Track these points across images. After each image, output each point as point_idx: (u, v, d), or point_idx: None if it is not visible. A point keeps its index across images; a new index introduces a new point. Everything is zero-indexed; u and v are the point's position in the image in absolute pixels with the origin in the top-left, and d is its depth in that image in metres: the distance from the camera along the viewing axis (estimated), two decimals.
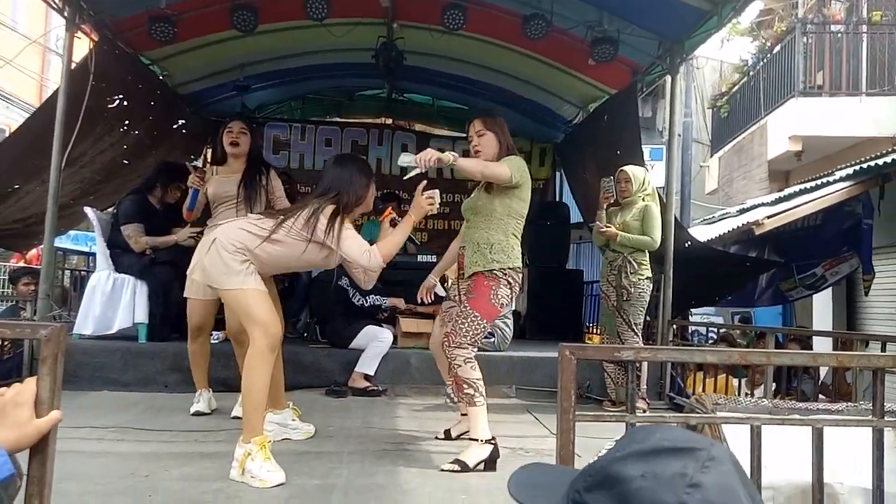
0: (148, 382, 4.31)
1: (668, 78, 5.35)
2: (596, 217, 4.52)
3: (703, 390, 5.17)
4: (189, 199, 3.72)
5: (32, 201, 5.29)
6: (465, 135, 9.30)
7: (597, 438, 0.74)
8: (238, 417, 3.42)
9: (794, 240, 6.45)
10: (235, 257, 2.72)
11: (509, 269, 3.07)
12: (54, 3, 4.53)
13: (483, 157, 3.16)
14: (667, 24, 4.87)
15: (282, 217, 2.83)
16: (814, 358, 1.64)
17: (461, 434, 3.24)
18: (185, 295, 3.59)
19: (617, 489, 0.68)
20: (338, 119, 8.33)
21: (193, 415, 3.59)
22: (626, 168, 4.46)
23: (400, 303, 5.03)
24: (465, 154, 3.39)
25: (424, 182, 3.03)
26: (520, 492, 0.78)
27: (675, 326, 4.90)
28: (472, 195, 3.29)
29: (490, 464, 2.87)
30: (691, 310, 7.05)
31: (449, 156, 2.91)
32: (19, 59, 11.32)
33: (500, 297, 3.05)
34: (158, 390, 4.24)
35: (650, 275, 4.34)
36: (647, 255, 4.35)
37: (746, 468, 1.47)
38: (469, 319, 3.00)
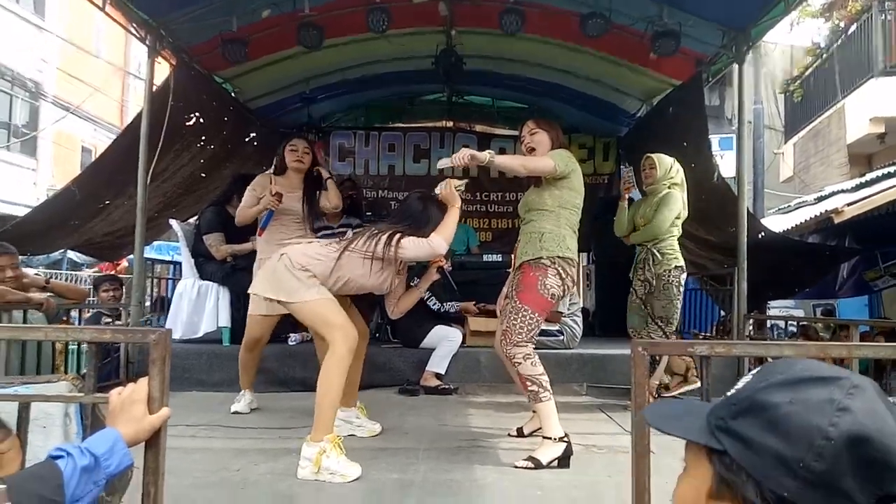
0: (232, 383, 4.52)
1: (735, 66, 5.21)
2: (617, 209, 4.36)
3: None
4: (264, 219, 3.89)
5: (121, 215, 5.66)
6: None
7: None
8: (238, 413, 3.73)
9: (879, 227, 6.12)
10: (301, 275, 2.86)
11: (559, 257, 3.03)
12: (137, 33, 4.86)
13: (537, 155, 3.19)
14: (730, 12, 4.75)
15: (347, 241, 2.99)
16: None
17: (533, 431, 3.27)
18: (249, 312, 3.81)
19: (765, 415, 0.71)
20: (400, 124, 8.49)
21: (233, 414, 3.78)
22: (652, 154, 4.25)
23: (470, 306, 5.11)
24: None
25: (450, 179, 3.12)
26: (657, 421, 0.84)
27: (751, 321, 4.75)
28: (526, 193, 3.32)
29: (563, 461, 2.88)
30: (769, 303, 6.81)
31: (485, 154, 2.94)
32: (100, 83, 12.10)
33: (548, 286, 3.01)
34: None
35: (679, 264, 4.05)
36: (676, 243, 4.10)
37: None
38: (521, 315, 2.98)
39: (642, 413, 0.87)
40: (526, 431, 3.35)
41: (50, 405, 1.60)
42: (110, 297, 5.19)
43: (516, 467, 2.84)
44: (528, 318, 2.98)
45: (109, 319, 4.96)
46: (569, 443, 2.92)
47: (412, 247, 2.93)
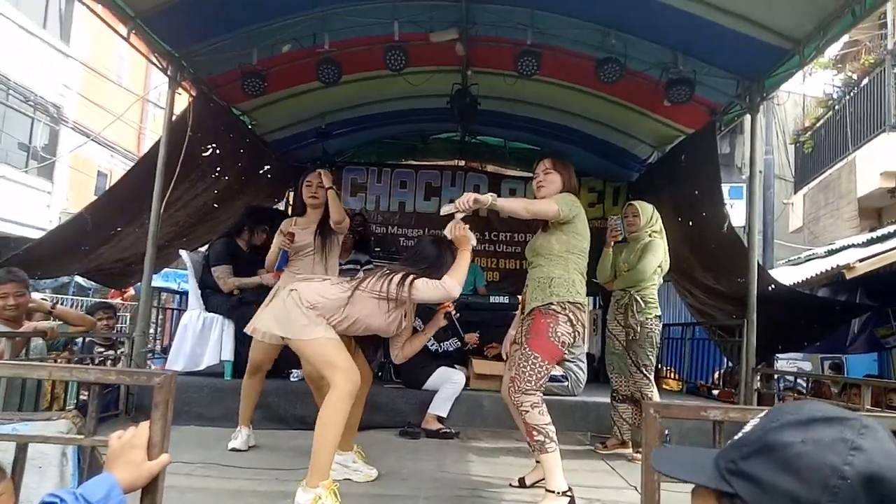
0: (232, 418, 4.45)
1: (748, 116, 5.23)
2: (601, 254, 4.39)
3: None
4: (279, 260, 3.91)
5: (131, 243, 5.68)
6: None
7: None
8: (236, 450, 3.64)
9: (891, 282, 6.07)
10: (309, 312, 2.85)
11: (569, 303, 3.00)
12: (159, 63, 4.95)
13: (543, 193, 3.21)
14: (745, 63, 4.79)
15: (359, 280, 2.98)
16: None
17: (536, 482, 3.20)
18: (249, 332, 3.65)
19: (777, 455, 0.72)
20: (412, 161, 8.56)
21: (230, 451, 3.68)
22: (635, 202, 4.40)
23: (473, 338, 5.06)
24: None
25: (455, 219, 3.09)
26: (663, 465, 0.84)
27: (759, 374, 4.67)
28: (533, 237, 3.31)
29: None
30: (777, 355, 6.72)
31: (488, 197, 2.93)
32: (120, 109, 12.32)
33: (559, 334, 2.97)
34: None
35: (658, 313, 4.15)
36: (656, 293, 4.20)
37: None
38: (530, 362, 2.94)
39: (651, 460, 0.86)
40: (528, 482, 3.28)
41: (47, 444, 1.56)
42: (104, 325, 5.15)
43: None
44: (537, 365, 2.94)
45: (102, 349, 4.90)
46: (572, 497, 2.85)
47: (425, 288, 2.91)
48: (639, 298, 4.10)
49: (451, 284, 2.92)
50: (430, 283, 2.92)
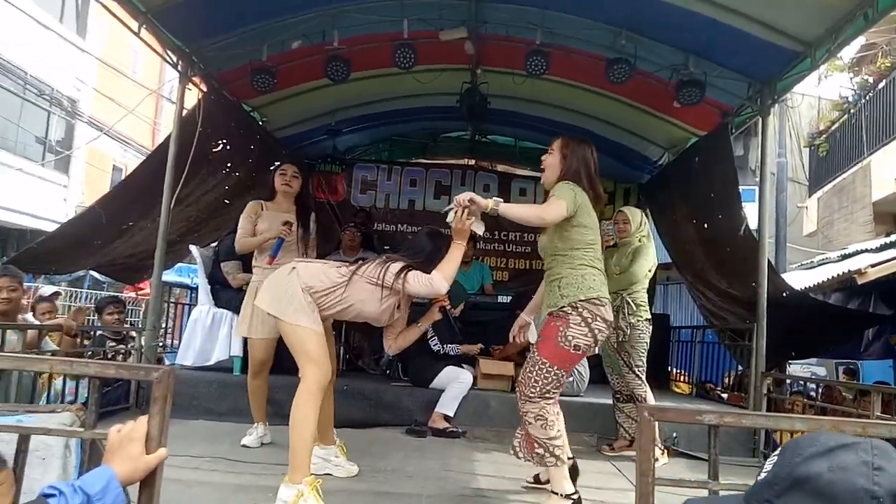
0: (240, 413, 4.50)
1: (760, 118, 5.19)
2: None
3: None
4: (274, 247, 3.88)
5: (143, 238, 5.73)
6: None
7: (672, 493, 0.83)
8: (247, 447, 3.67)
9: None
10: (305, 296, 2.85)
11: (580, 301, 2.78)
12: (170, 59, 4.98)
13: (543, 178, 3.12)
14: (756, 65, 4.75)
15: (358, 265, 2.98)
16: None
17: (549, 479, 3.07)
18: (245, 335, 3.79)
19: (810, 485, 0.77)
20: (422, 160, 8.57)
21: (242, 446, 3.72)
22: (624, 209, 4.53)
23: (473, 348, 5.05)
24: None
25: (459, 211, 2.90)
26: None
27: (769, 379, 4.64)
28: (540, 235, 3.16)
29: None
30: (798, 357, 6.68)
31: (489, 202, 2.77)
32: (134, 104, 12.43)
33: (569, 337, 2.77)
34: (249, 421, 4.41)
35: (649, 316, 4.25)
36: (647, 296, 4.30)
37: None
38: (537, 368, 2.80)
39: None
40: (543, 479, 3.18)
41: (51, 437, 1.58)
42: (114, 320, 5.20)
43: None
44: (543, 371, 2.79)
45: (114, 343, 4.95)
46: (578, 498, 2.83)
47: (414, 283, 2.90)
48: (630, 301, 4.20)
49: (437, 281, 2.89)
50: (419, 278, 2.90)
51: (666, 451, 4.16)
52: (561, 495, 2.81)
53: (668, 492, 1.43)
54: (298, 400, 2.75)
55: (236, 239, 4.02)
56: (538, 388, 2.80)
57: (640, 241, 4.35)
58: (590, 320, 2.80)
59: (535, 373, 2.81)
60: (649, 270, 4.31)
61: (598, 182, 3.08)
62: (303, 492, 2.57)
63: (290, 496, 2.58)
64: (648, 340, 4.23)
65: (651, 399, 4.16)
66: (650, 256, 4.32)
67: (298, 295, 2.85)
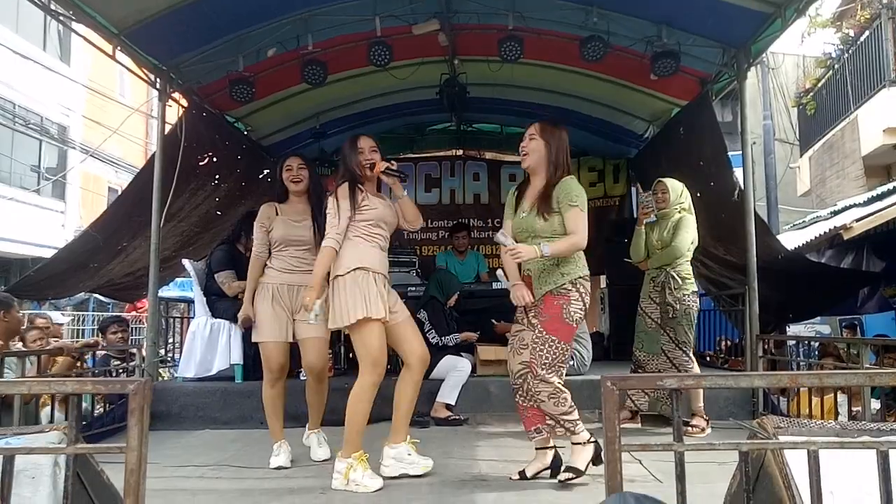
0: (245, 420, 4.58)
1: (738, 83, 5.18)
2: (634, 234, 4.38)
3: (810, 408, 4.86)
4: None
5: (139, 256, 5.79)
6: None
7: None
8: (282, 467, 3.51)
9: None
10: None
11: (578, 278, 3.01)
12: (147, 77, 5.03)
13: (527, 162, 3.17)
14: (728, 31, 4.76)
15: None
16: (869, 377, 1.56)
17: (537, 473, 3.14)
18: (258, 340, 3.59)
19: None
20: (411, 154, 8.59)
21: (275, 469, 3.40)
22: (664, 179, 4.31)
23: (472, 337, 5.10)
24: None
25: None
26: None
27: (763, 341, 4.66)
28: (522, 215, 3.13)
29: (597, 459, 2.97)
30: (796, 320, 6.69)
31: (535, 250, 2.91)
32: (125, 126, 12.48)
33: (572, 312, 2.98)
34: (254, 427, 4.49)
35: (695, 289, 4.16)
36: (691, 268, 4.18)
37: (807, 495, 1.44)
38: (548, 345, 2.93)
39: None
40: (529, 474, 3.15)
41: (40, 456, 1.64)
42: (118, 339, 5.27)
43: (560, 482, 2.95)
44: (554, 347, 2.95)
45: (118, 362, 5.02)
46: (597, 441, 2.96)
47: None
48: (675, 275, 4.08)
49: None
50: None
51: (707, 421, 4.06)
52: (582, 443, 3.00)
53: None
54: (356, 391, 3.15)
55: (252, 253, 3.75)
56: (549, 363, 2.95)
57: (680, 212, 4.20)
58: (584, 294, 3.02)
59: (545, 349, 2.94)
60: (692, 243, 4.17)
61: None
62: (352, 464, 2.99)
63: (342, 467, 3.00)
64: (695, 314, 4.15)
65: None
66: (692, 229, 4.17)
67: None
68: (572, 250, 3.00)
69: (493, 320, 5.35)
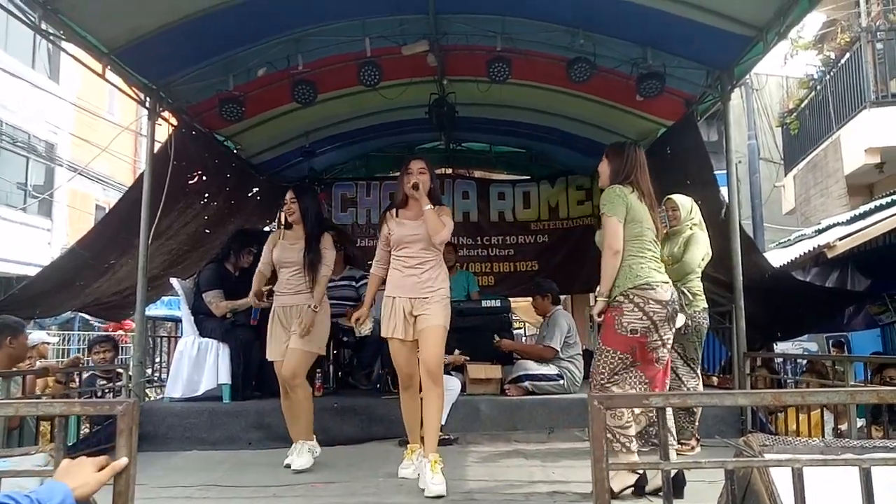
0: (233, 440, 4.54)
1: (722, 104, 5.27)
2: None
3: (797, 425, 4.88)
4: (253, 312, 4.19)
5: (126, 274, 5.75)
6: (524, 177, 9.25)
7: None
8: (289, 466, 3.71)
9: (881, 259, 6.07)
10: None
11: (630, 289, 3.02)
12: (137, 96, 5.04)
13: (599, 182, 3.39)
14: (712, 53, 4.85)
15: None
16: (851, 395, 1.59)
17: (622, 489, 3.01)
18: (269, 358, 3.89)
19: None
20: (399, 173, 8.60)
21: (296, 473, 3.62)
22: (672, 196, 4.30)
23: (460, 360, 5.10)
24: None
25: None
26: None
27: (750, 359, 4.70)
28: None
29: (639, 490, 2.90)
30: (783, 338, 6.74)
31: (601, 302, 3.12)
32: (115, 144, 12.45)
33: (625, 323, 3.00)
34: (242, 447, 4.46)
35: (705, 305, 4.13)
36: (702, 284, 4.16)
37: None
38: (602, 355, 3.09)
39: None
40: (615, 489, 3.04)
41: (25, 478, 1.62)
42: (101, 358, 5.23)
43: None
44: (609, 357, 3.06)
45: (104, 381, 4.97)
46: (644, 474, 2.85)
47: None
48: (686, 291, 4.04)
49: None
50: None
51: (698, 440, 4.04)
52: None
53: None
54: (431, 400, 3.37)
55: (256, 272, 4.08)
56: (607, 373, 3.05)
57: (691, 228, 4.20)
58: (642, 304, 3.02)
59: (601, 360, 3.08)
60: (703, 259, 4.15)
61: (646, 179, 3.32)
62: (436, 458, 3.22)
63: (433, 458, 3.23)
64: (705, 332, 4.13)
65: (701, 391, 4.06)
66: (703, 245, 4.15)
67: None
68: (611, 264, 3.09)
69: (496, 336, 5.36)
